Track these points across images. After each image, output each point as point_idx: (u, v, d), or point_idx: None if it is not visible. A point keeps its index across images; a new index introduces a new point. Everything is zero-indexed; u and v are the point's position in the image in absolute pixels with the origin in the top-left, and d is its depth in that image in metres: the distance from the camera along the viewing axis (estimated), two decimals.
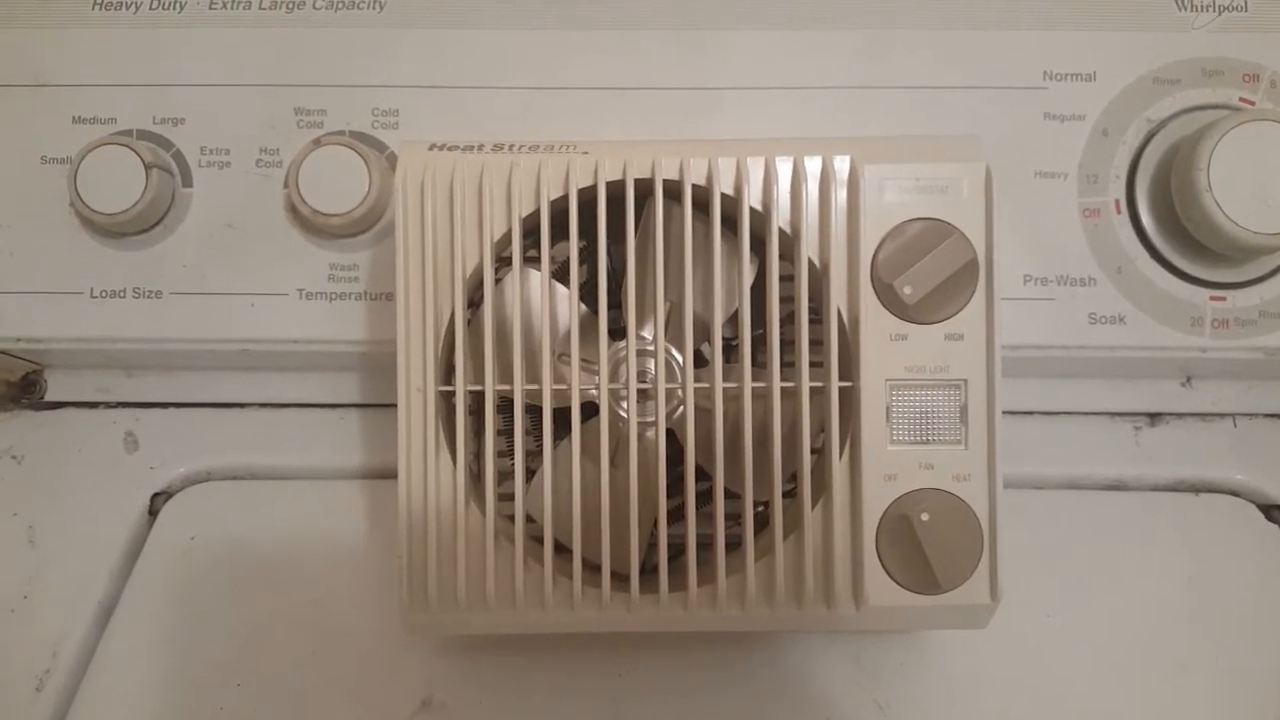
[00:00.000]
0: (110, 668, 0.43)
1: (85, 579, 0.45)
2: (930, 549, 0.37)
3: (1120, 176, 0.45)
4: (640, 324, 0.39)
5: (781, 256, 0.38)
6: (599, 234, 0.38)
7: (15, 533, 0.46)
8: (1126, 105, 0.45)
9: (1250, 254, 0.43)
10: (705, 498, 0.38)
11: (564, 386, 0.38)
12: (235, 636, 0.44)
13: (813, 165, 0.38)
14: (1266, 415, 0.48)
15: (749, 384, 0.37)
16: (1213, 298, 0.44)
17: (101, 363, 0.48)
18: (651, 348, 0.39)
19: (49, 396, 0.49)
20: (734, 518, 0.38)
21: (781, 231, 0.38)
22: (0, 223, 0.45)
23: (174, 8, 0.46)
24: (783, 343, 0.38)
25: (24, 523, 0.46)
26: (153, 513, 0.47)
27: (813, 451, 0.38)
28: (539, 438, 0.38)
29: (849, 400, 0.38)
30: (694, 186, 0.38)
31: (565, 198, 0.38)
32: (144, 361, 0.48)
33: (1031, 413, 0.48)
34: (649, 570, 0.39)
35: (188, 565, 0.45)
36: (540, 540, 0.38)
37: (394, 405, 0.38)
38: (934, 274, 0.37)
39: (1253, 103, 0.45)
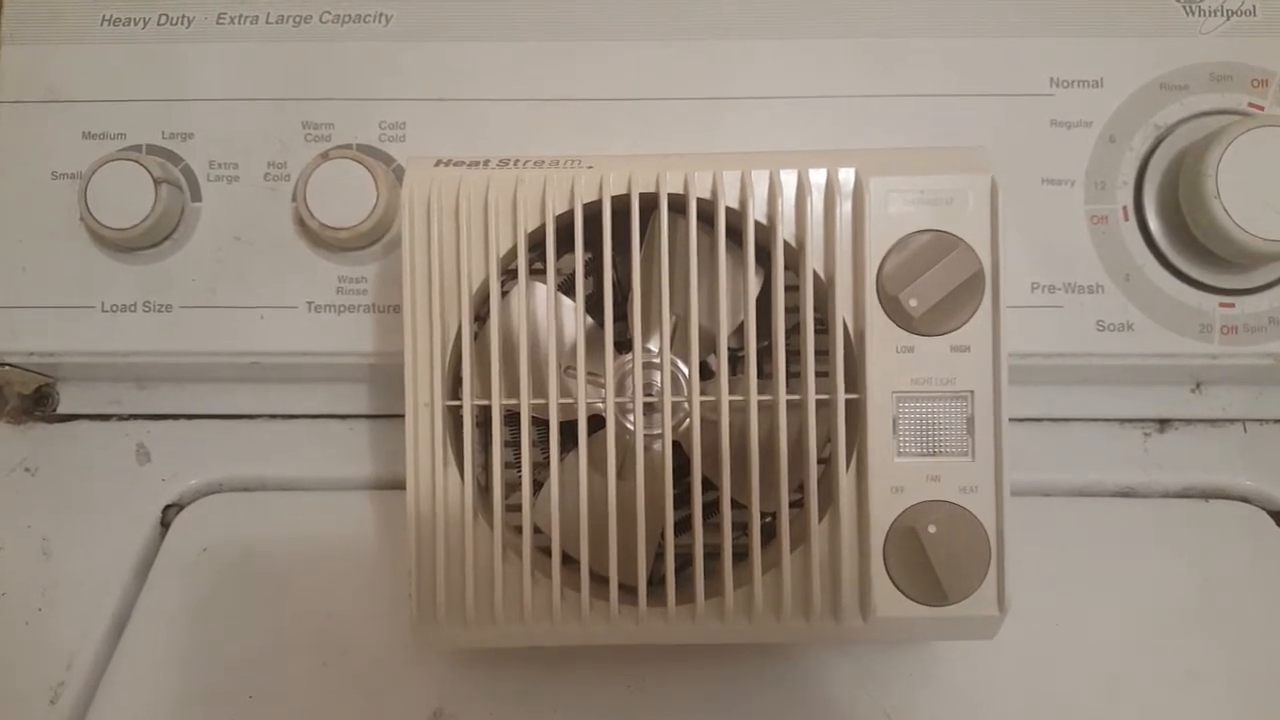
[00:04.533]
0: (124, 679, 0.43)
1: (98, 591, 0.45)
2: (937, 561, 0.37)
3: (1128, 183, 0.44)
4: (646, 337, 0.39)
5: (786, 268, 0.38)
6: (604, 247, 0.38)
7: (29, 545, 0.46)
8: (1134, 111, 0.45)
9: (1259, 260, 0.43)
10: (712, 510, 0.38)
11: (570, 400, 0.38)
12: (247, 648, 0.44)
13: (817, 177, 0.38)
14: (1276, 421, 0.48)
15: (755, 396, 0.37)
16: (1222, 304, 0.44)
17: (113, 375, 0.49)
18: (657, 360, 0.39)
19: (61, 409, 0.49)
20: (741, 529, 0.38)
21: (786, 244, 0.38)
22: (11, 238, 0.45)
23: (182, 23, 0.46)
24: (788, 355, 0.38)
25: (37, 535, 0.46)
26: (165, 524, 0.47)
27: (819, 463, 0.38)
28: (546, 450, 0.38)
29: (855, 412, 0.37)
30: (699, 200, 0.38)
31: (570, 212, 0.38)
32: (155, 374, 0.48)
33: (1040, 420, 0.48)
34: (656, 582, 0.39)
35: (199, 576, 0.45)
36: (548, 553, 0.38)
37: (403, 416, 0.38)
38: (940, 286, 0.37)
39: (1262, 108, 0.45)
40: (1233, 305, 0.44)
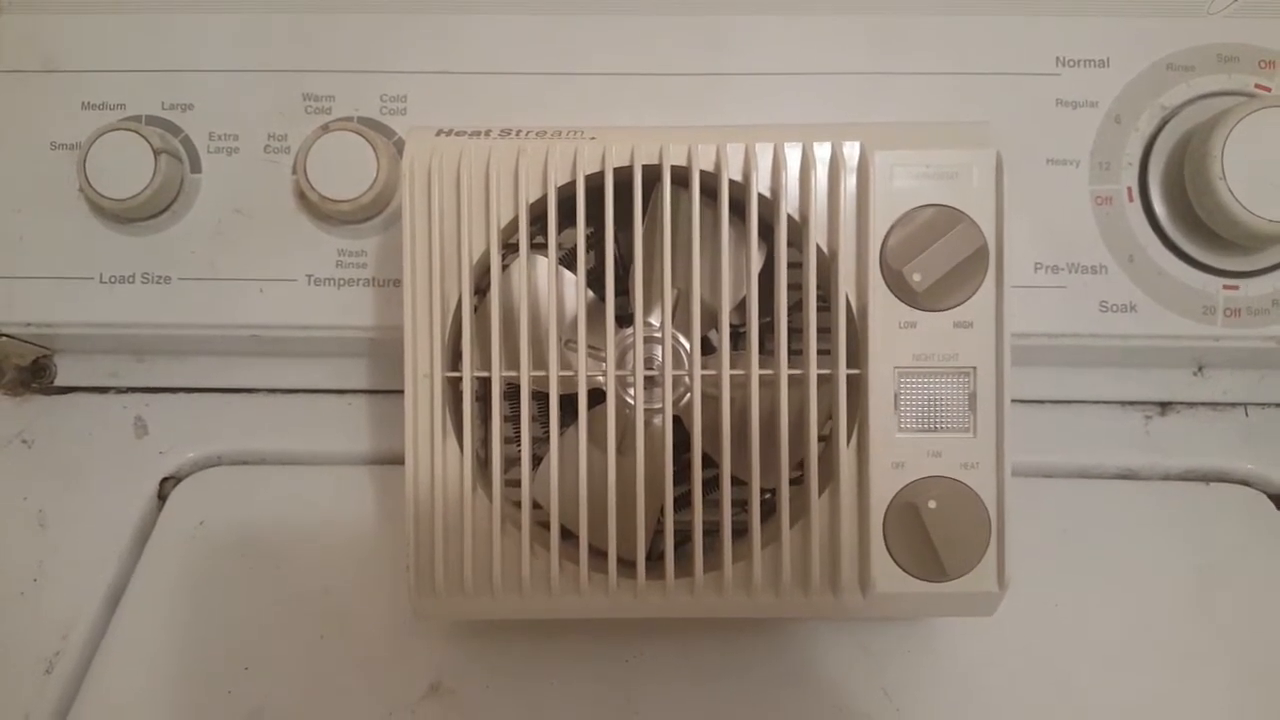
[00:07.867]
0: (119, 651, 0.43)
1: (95, 563, 0.45)
2: (937, 537, 0.37)
3: (1133, 164, 0.44)
4: (647, 311, 0.39)
5: (790, 243, 0.38)
6: (606, 220, 0.37)
7: (25, 516, 0.46)
8: (1140, 92, 0.44)
9: (1264, 242, 0.43)
10: (712, 485, 0.38)
11: (571, 373, 0.38)
12: (243, 620, 0.44)
13: (822, 151, 0.37)
14: (1278, 405, 0.48)
15: (756, 371, 0.37)
16: (1225, 286, 0.44)
17: (111, 348, 0.48)
18: (659, 335, 0.39)
19: (59, 381, 0.49)
20: (741, 505, 0.38)
21: (790, 218, 0.37)
22: (10, 208, 0.45)
23: None
24: (790, 330, 0.37)
25: (34, 506, 0.46)
26: (162, 497, 0.47)
27: (820, 439, 0.38)
28: (546, 424, 0.38)
29: (857, 388, 0.37)
30: (702, 172, 0.37)
31: (572, 184, 0.38)
32: (153, 346, 0.48)
33: (1042, 401, 0.48)
34: (655, 557, 0.39)
35: (196, 549, 0.45)
36: (547, 526, 0.38)
37: (402, 391, 0.38)
38: (943, 261, 0.37)
39: (1269, 89, 0.44)
40: (1236, 287, 0.44)
